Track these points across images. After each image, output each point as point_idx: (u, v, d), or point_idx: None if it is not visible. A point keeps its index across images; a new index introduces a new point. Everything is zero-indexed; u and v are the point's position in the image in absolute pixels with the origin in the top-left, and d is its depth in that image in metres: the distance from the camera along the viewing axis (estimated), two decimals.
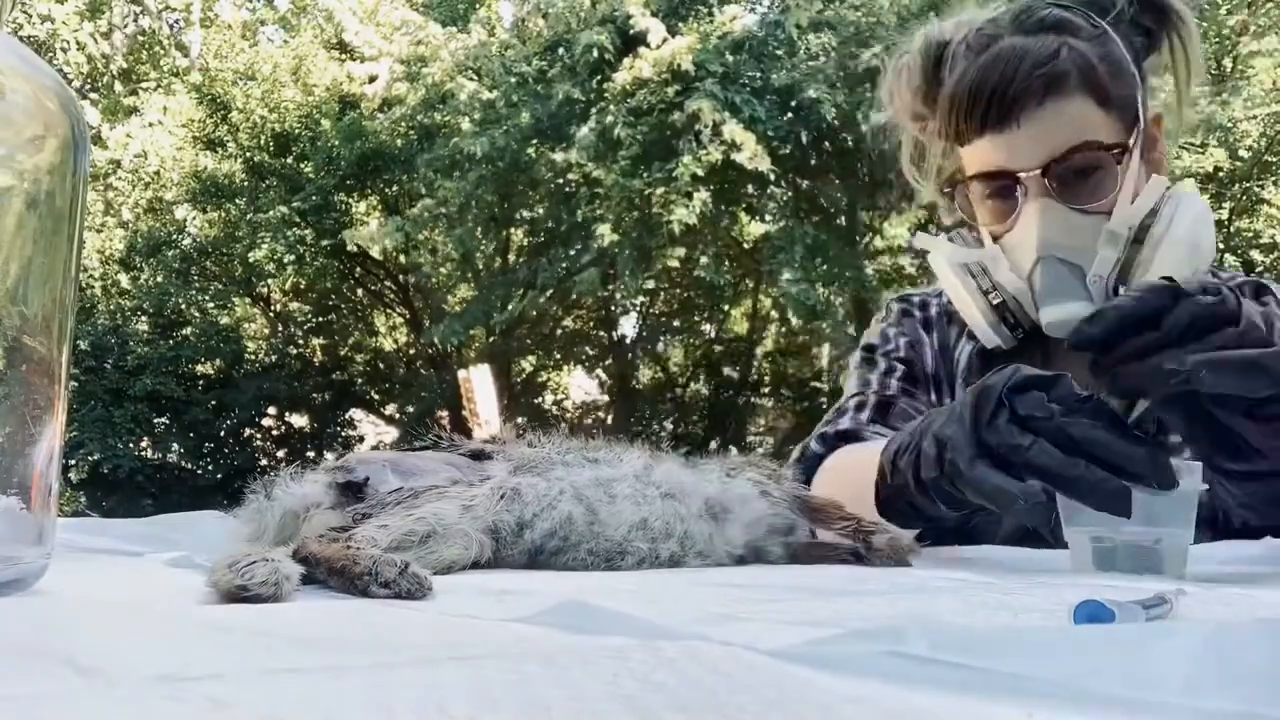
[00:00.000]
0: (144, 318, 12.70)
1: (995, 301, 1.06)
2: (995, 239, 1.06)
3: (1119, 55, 1.04)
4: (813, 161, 9.56)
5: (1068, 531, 0.72)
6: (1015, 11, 1.07)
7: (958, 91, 1.05)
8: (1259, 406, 0.68)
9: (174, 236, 12.67)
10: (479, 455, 0.77)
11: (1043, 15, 1.06)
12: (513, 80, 9.33)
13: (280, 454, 13.45)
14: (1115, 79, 1.03)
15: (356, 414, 14.21)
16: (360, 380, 13.84)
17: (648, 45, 8.53)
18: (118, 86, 13.40)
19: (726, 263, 10.94)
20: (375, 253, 11.83)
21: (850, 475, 0.97)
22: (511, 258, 11.83)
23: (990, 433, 0.71)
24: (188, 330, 12.81)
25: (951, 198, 1.11)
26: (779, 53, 8.96)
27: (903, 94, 1.15)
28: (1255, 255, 10.09)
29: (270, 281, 12.89)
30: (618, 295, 11.45)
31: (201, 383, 12.89)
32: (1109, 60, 1.04)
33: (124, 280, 12.79)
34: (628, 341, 13.45)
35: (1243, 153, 8.70)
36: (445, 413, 12.21)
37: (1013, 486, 0.70)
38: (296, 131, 12.04)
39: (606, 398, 13.90)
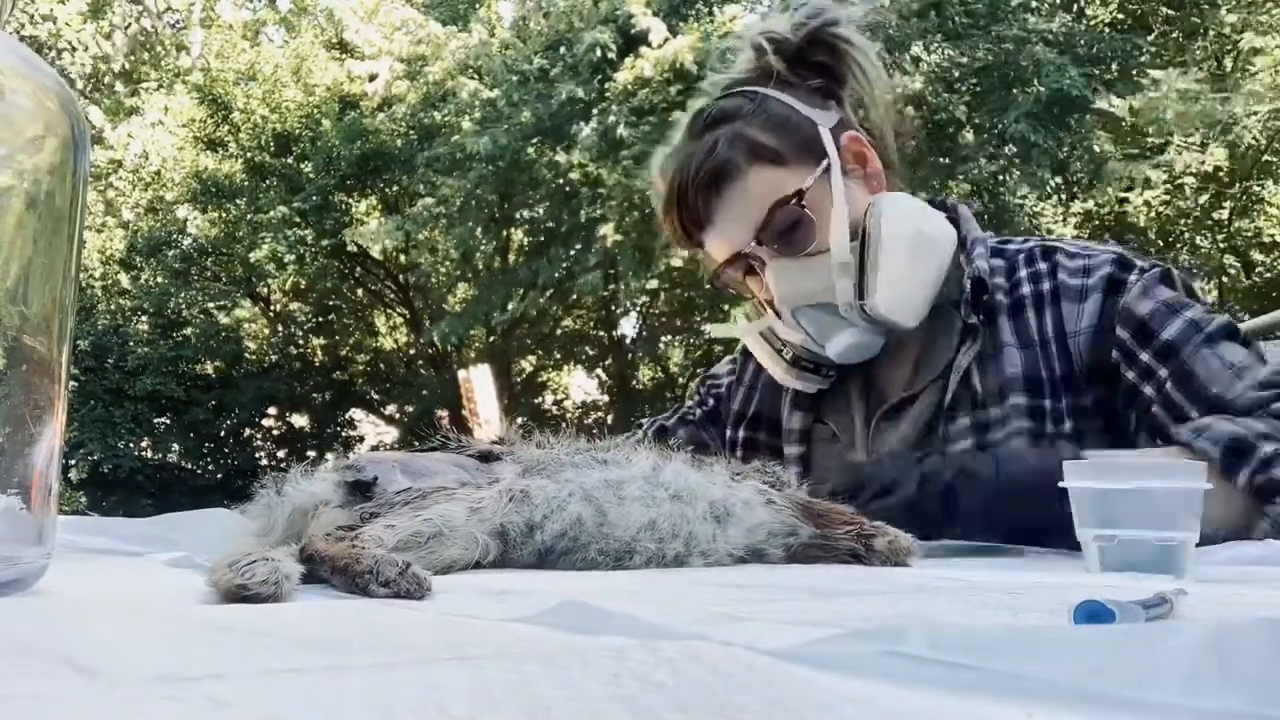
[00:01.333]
0: (144, 318, 12.70)
1: (788, 357, 1.18)
2: (771, 305, 1.18)
3: (782, 112, 1.14)
4: None
5: (1080, 533, 0.73)
6: (690, 120, 1.18)
7: (666, 209, 1.18)
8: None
9: (174, 236, 12.67)
10: (488, 456, 0.77)
11: (706, 114, 1.16)
12: (514, 79, 9.32)
13: (280, 454, 13.45)
14: (783, 134, 1.13)
15: (356, 414, 14.22)
16: (360, 380, 13.84)
17: (649, 44, 8.52)
18: (119, 87, 13.40)
19: None
20: (375, 252, 11.83)
21: None
22: (512, 257, 11.83)
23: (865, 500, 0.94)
24: (188, 330, 12.81)
25: (725, 289, 1.24)
26: None
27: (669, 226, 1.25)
28: (1255, 255, 10.09)
29: (270, 281, 12.88)
30: (619, 295, 11.44)
31: (201, 383, 12.89)
32: (771, 123, 1.13)
33: (124, 280, 12.79)
34: (628, 341, 13.45)
35: (1242, 151, 8.70)
36: (445, 412, 12.21)
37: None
38: (297, 131, 12.04)
39: (606, 398, 13.90)
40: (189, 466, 13.26)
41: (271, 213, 11.34)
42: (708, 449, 1.04)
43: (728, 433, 1.33)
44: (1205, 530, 0.71)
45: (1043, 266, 1.13)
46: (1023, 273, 1.14)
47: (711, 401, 1.37)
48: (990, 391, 1.10)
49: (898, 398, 1.17)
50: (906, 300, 1.09)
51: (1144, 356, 1.04)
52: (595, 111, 8.85)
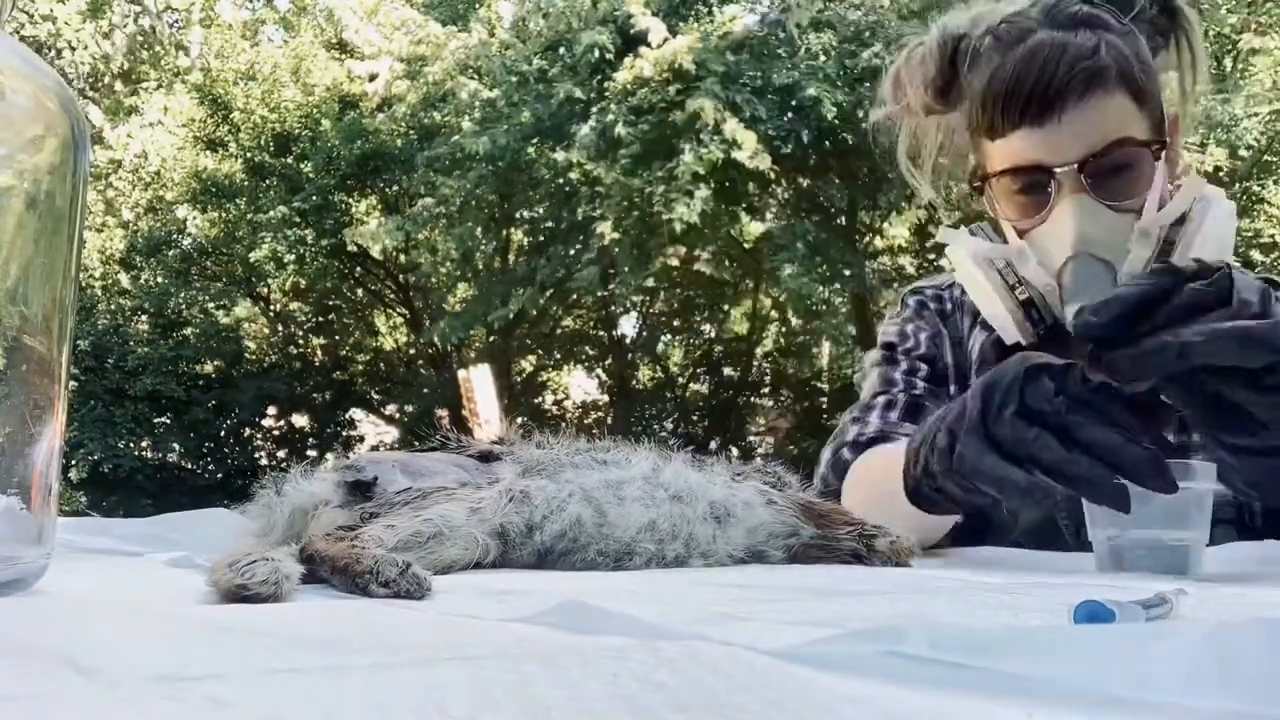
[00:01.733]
0: (144, 318, 12.70)
1: (1022, 297, 1.04)
2: (1021, 235, 1.05)
3: (1147, 53, 1.04)
4: (813, 161, 9.55)
5: (1092, 534, 0.73)
6: (1045, 6, 1.05)
7: (994, 84, 1.03)
8: (1260, 378, 0.67)
9: (174, 236, 12.66)
10: (487, 457, 0.77)
11: (1074, 11, 1.04)
12: (513, 79, 9.32)
13: (280, 454, 13.45)
14: (1147, 76, 1.03)
15: (356, 414, 14.21)
16: (360, 380, 13.84)
17: (648, 45, 8.52)
18: (118, 86, 13.40)
19: (727, 262, 10.94)
20: (375, 252, 11.83)
21: (879, 473, 0.97)
22: (511, 257, 11.83)
23: (997, 425, 0.72)
24: (188, 330, 12.80)
25: (980, 191, 1.09)
26: (779, 52, 8.95)
27: (914, 88, 1.13)
28: (1255, 255, 10.08)
29: (270, 281, 12.88)
30: (618, 294, 11.44)
31: (201, 383, 12.89)
32: (1140, 57, 1.03)
33: (124, 280, 12.79)
34: (628, 341, 13.45)
35: (1243, 152, 8.70)
36: (445, 412, 12.20)
37: (1018, 477, 0.71)
38: (296, 131, 12.04)
39: (606, 398, 13.89)
40: (189, 466, 13.26)
41: (271, 213, 11.33)
42: None
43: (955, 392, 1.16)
44: None
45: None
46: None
47: (925, 368, 1.19)
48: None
49: None
50: None
51: None
52: (594, 111, 8.85)
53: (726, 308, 12.90)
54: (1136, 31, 1.05)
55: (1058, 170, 1.00)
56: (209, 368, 13.00)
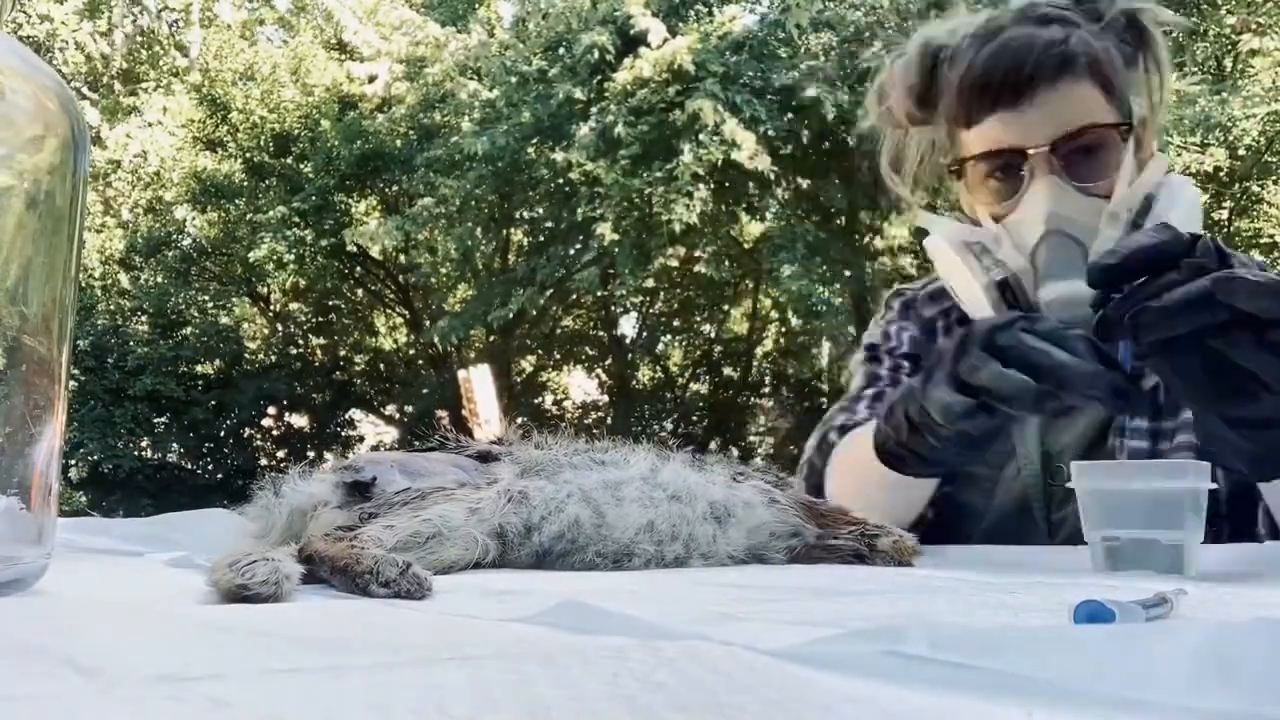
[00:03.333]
0: (144, 318, 12.70)
1: (997, 278, 1.05)
2: (996, 220, 1.08)
3: (1116, 51, 1.09)
4: (813, 161, 9.56)
5: (1088, 534, 0.73)
6: (1019, 9, 1.10)
7: (970, 74, 1.07)
8: (1266, 338, 0.68)
9: (174, 236, 12.67)
10: (486, 457, 0.77)
11: (1045, 11, 1.09)
12: (513, 80, 9.32)
13: (280, 454, 13.44)
14: (1114, 69, 1.07)
15: (356, 414, 14.21)
16: (360, 380, 13.84)
17: (648, 45, 8.52)
18: (117, 86, 13.39)
19: (726, 262, 10.94)
20: (375, 252, 11.83)
21: (860, 447, 1.01)
22: (511, 257, 11.83)
23: (963, 360, 0.79)
24: (188, 330, 12.80)
25: (958, 176, 1.13)
26: (779, 53, 8.96)
27: (896, 96, 1.17)
28: (1255, 255, 10.08)
29: (270, 281, 12.88)
30: (617, 294, 11.45)
31: (201, 383, 12.88)
32: (1108, 52, 1.07)
33: (124, 280, 12.79)
34: (628, 341, 13.45)
35: (1242, 152, 8.70)
36: (445, 412, 12.20)
37: (954, 401, 0.79)
38: (296, 131, 12.04)
39: (606, 398, 13.89)
40: (189, 466, 13.26)
41: (271, 213, 11.33)
42: None
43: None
44: None
45: None
46: None
47: (908, 365, 1.23)
48: (1171, 403, 1.07)
49: None
50: None
51: None
52: (594, 111, 8.86)
53: (726, 308, 12.90)
54: (1107, 32, 1.09)
55: (1030, 152, 1.04)
56: (209, 368, 13.00)
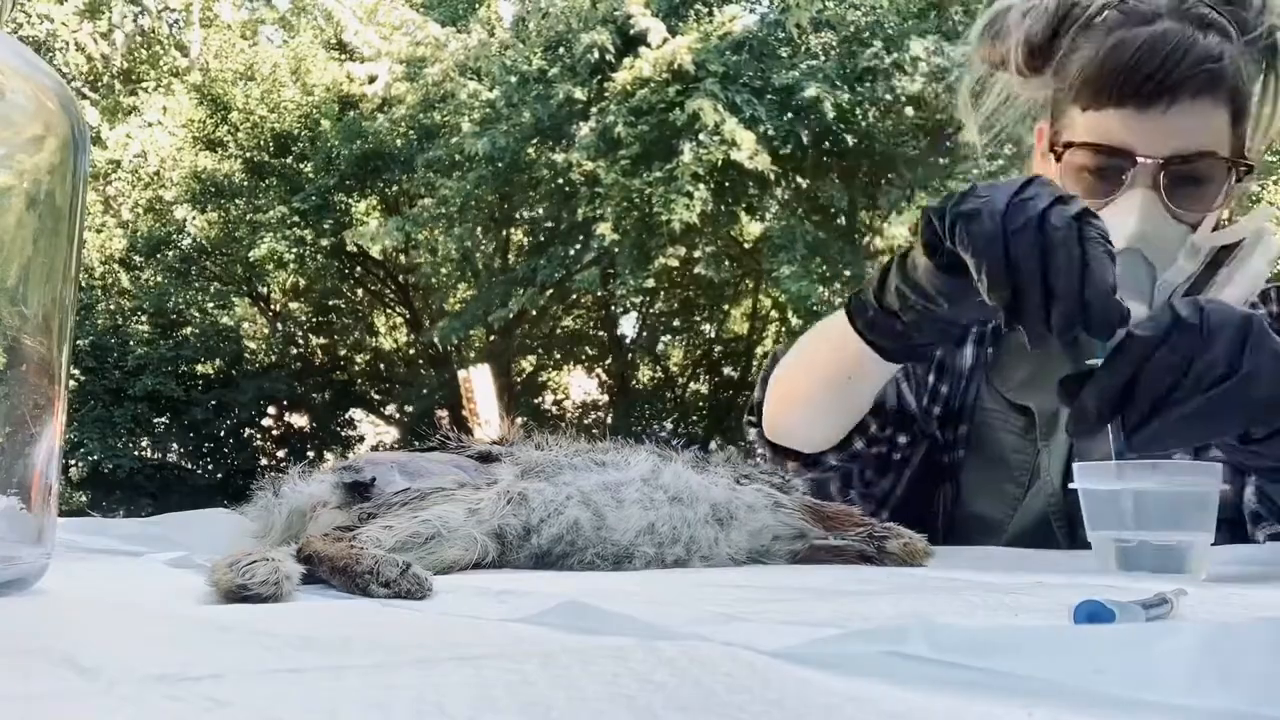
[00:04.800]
0: (144, 318, 12.70)
1: None
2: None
3: (1250, 75, 1.04)
4: (813, 161, 9.56)
5: (1091, 534, 0.73)
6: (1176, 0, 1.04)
7: (1115, 54, 1.01)
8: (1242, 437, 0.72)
9: (174, 236, 12.67)
10: (486, 457, 0.77)
11: (1204, 12, 1.02)
12: (513, 80, 9.32)
13: (280, 454, 13.45)
14: (1245, 96, 1.03)
15: (356, 414, 14.21)
16: (360, 380, 13.84)
17: (648, 45, 8.53)
18: (117, 86, 13.39)
19: (726, 262, 10.94)
20: (375, 252, 11.83)
21: (807, 340, 1.01)
22: (511, 257, 11.83)
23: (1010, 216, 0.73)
24: (188, 330, 12.80)
25: (1058, 158, 1.07)
26: (779, 52, 8.96)
27: (1012, 39, 1.10)
28: None
29: (270, 281, 12.89)
30: (617, 294, 11.44)
31: (201, 383, 12.89)
32: (1247, 77, 1.03)
33: (124, 280, 12.79)
34: (628, 341, 13.45)
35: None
36: (445, 412, 12.20)
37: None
38: (296, 131, 12.04)
39: (606, 398, 13.89)
40: (189, 466, 13.26)
41: (271, 213, 11.34)
42: None
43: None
44: None
45: (1276, 309, 1.12)
46: (1262, 310, 1.11)
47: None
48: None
49: None
50: None
51: None
52: (594, 111, 8.86)
53: (726, 308, 12.90)
54: (1247, 54, 1.04)
55: (1141, 159, 0.99)
56: (209, 368, 13.01)
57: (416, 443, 0.83)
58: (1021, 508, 1.10)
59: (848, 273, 9.30)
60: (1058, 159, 1.07)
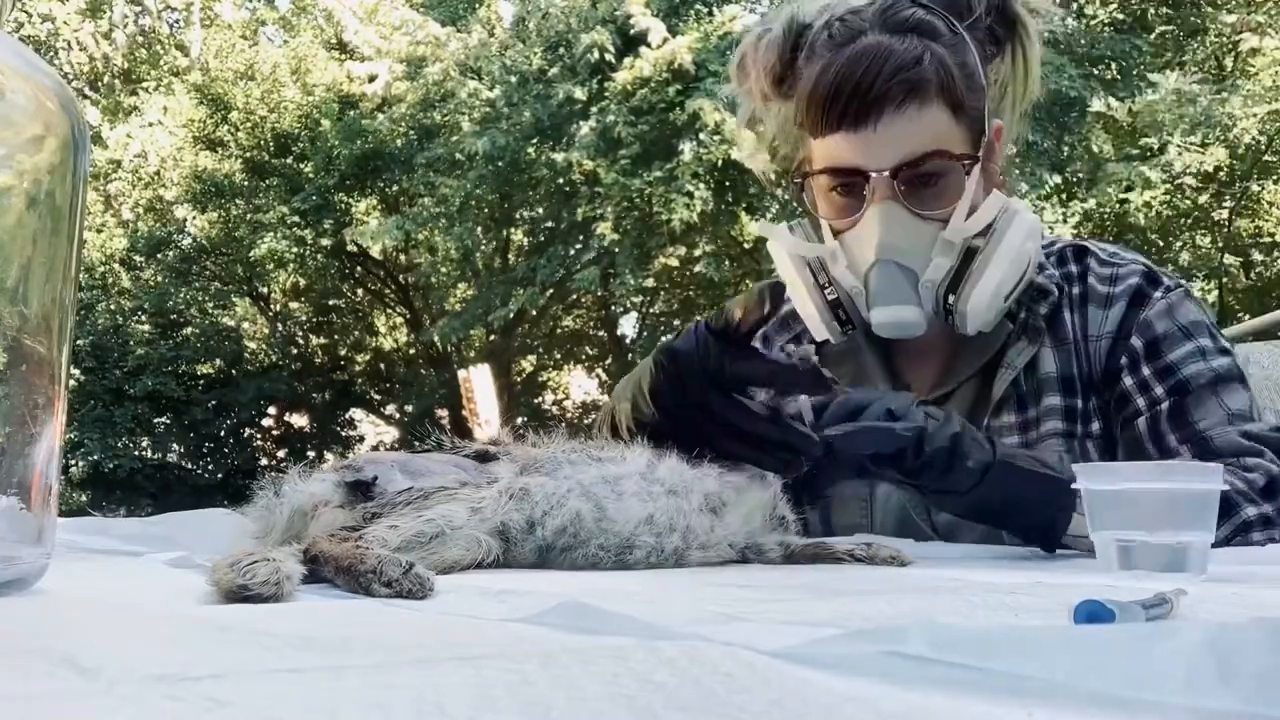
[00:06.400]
0: (144, 318, 12.71)
1: (830, 297, 1.08)
2: (836, 234, 1.08)
3: (974, 64, 1.06)
4: None
5: (1093, 534, 0.73)
6: (881, 7, 1.07)
7: (818, 86, 1.05)
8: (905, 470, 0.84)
9: (174, 236, 12.67)
10: (484, 457, 0.77)
11: (907, 15, 1.06)
12: (513, 80, 9.33)
13: (280, 454, 13.46)
14: (969, 90, 1.05)
15: (356, 414, 14.22)
16: (360, 380, 13.85)
17: (648, 44, 8.53)
18: (118, 86, 13.40)
19: (726, 262, 10.94)
20: (375, 252, 11.84)
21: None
22: (511, 257, 11.83)
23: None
24: (188, 330, 12.81)
25: (800, 188, 1.12)
26: None
27: (755, 71, 1.14)
28: (1255, 255, 10.08)
29: (270, 281, 12.89)
30: (617, 294, 11.45)
31: (201, 383, 12.89)
32: (965, 69, 1.05)
33: (124, 280, 12.79)
34: (628, 341, 13.45)
35: (1241, 151, 8.69)
36: (445, 412, 12.21)
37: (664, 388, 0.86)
38: (296, 131, 12.04)
39: (606, 397, 13.89)
40: (189, 466, 13.27)
41: (271, 212, 11.34)
42: None
43: None
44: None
45: (1074, 269, 1.12)
46: (1055, 272, 1.12)
47: None
48: (1030, 391, 1.09)
49: (932, 395, 1.12)
50: (988, 312, 1.04)
51: (1146, 370, 1.05)
52: (594, 111, 8.86)
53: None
54: (967, 39, 1.06)
55: (871, 175, 1.03)
56: (209, 368, 13.01)
57: (417, 443, 0.83)
58: (876, 508, 1.13)
59: None
60: (801, 189, 1.12)
